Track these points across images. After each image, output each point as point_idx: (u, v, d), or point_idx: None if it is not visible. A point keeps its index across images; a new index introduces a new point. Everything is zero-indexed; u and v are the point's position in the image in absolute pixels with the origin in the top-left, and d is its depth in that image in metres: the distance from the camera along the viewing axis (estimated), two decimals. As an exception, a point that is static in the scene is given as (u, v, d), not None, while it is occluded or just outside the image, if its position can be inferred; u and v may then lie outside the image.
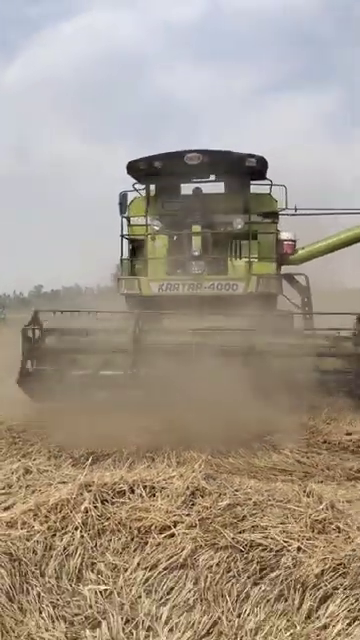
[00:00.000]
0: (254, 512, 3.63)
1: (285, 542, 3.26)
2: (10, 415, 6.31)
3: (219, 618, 2.67)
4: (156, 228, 8.52)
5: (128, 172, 8.53)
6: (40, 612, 2.79)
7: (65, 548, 3.31)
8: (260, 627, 2.60)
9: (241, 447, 5.24)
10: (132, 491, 3.83)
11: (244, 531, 3.42)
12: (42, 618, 2.74)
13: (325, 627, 2.58)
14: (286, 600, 2.78)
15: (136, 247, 8.80)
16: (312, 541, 3.29)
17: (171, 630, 2.62)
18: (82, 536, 3.41)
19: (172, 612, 2.74)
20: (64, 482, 4.15)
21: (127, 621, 2.69)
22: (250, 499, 3.76)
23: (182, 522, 3.53)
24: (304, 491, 3.91)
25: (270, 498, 3.81)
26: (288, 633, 2.55)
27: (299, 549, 3.20)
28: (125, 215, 8.71)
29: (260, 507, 3.70)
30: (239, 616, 2.68)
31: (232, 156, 8.37)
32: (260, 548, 3.24)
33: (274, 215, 8.66)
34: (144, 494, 3.84)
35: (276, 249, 8.56)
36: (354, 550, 3.13)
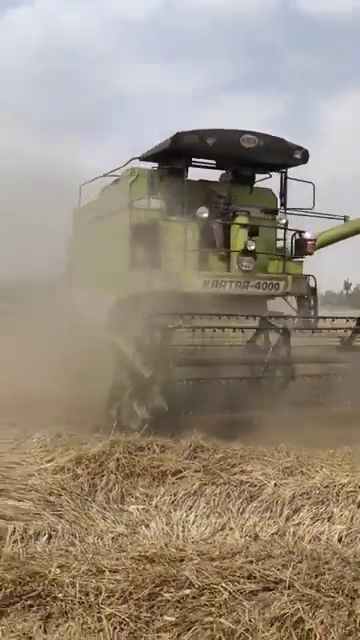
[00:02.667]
0: (241, 462, 4.96)
1: (265, 480, 4.61)
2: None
3: (228, 520, 3.97)
4: (205, 215, 7.54)
5: (172, 144, 7.39)
6: (104, 519, 3.99)
7: (106, 484, 4.52)
8: (256, 524, 3.91)
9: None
10: (149, 448, 5.08)
11: (235, 474, 4.73)
12: (106, 522, 3.95)
13: (298, 524, 3.92)
14: (272, 511, 4.10)
15: (142, 234, 7.53)
16: (284, 480, 4.64)
17: (197, 527, 3.89)
18: (116, 477, 4.62)
19: (195, 518, 4.02)
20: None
21: (167, 523, 3.94)
22: (237, 454, 5.09)
23: (189, 468, 4.81)
24: (276, 449, 5.27)
25: (252, 453, 5.15)
26: (276, 527, 3.87)
27: (275, 485, 4.53)
28: (152, 195, 7.24)
29: (245, 459, 5.04)
30: (242, 519, 3.99)
31: (285, 145, 7.97)
32: (248, 484, 4.55)
33: (274, 212, 8.36)
34: (157, 450, 5.10)
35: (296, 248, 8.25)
36: (314, 484, 4.51)
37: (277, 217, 8.24)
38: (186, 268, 7.41)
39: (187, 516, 4.03)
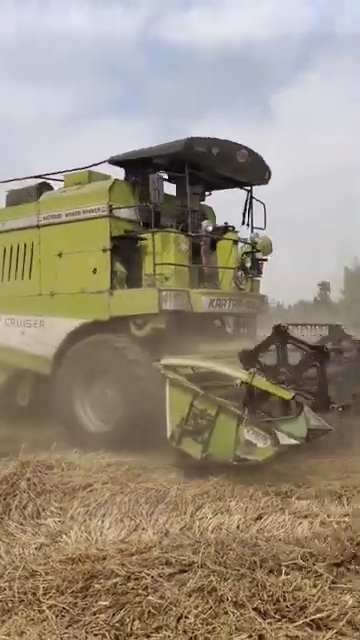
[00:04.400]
0: (146, 472, 5.46)
1: (169, 485, 5.13)
2: None
3: (140, 521, 4.41)
4: (210, 229, 7.51)
5: (185, 149, 6.98)
6: (24, 532, 4.26)
7: (19, 502, 4.78)
8: (165, 522, 4.39)
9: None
10: (58, 466, 5.40)
11: (141, 482, 5.22)
12: (27, 535, 4.22)
13: (202, 518, 4.47)
14: (178, 510, 4.61)
15: (124, 247, 7.19)
16: (184, 484, 5.20)
17: (114, 530, 4.29)
18: (29, 495, 4.89)
19: (110, 524, 4.41)
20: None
21: (85, 531, 4.29)
22: (142, 465, 5.58)
23: (98, 481, 5.22)
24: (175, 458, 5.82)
25: (154, 464, 5.67)
26: (183, 523, 4.38)
27: (178, 488, 5.07)
28: (157, 203, 6.84)
29: (149, 469, 5.55)
30: (152, 519, 4.45)
31: (263, 164, 8.00)
32: (154, 490, 5.05)
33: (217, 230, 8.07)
34: (65, 467, 5.44)
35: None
36: (212, 484, 5.10)
37: (251, 235, 8.15)
38: (186, 286, 7.08)
39: (102, 522, 4.41)
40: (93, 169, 7.72)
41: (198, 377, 5.71)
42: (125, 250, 7.19)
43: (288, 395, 5.08)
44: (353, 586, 3.29)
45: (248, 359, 5.58)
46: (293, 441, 4.96)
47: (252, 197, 8.22)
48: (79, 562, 3.59)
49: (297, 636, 2.81)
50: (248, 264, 7.93)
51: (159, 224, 7.24)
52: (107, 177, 7.68)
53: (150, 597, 3.12)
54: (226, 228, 8.07)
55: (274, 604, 3.06)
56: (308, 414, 5.00)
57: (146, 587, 3.24)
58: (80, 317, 7.23)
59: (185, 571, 3.48)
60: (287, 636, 2.82)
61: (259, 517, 4.47)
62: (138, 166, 7.36)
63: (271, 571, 3.44)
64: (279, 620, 2.95)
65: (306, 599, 3.07)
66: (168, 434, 5.57)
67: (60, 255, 7.50)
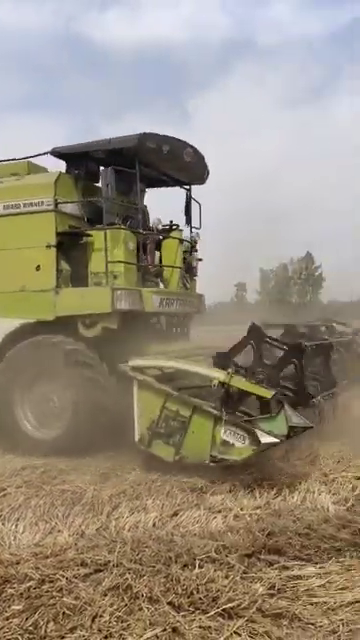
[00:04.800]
0: (62, 474, 5.39)
1: (85, 486, 5.10)
2: None
3: (56, 524, 4.35)
4: (160, 227, 7.45)
5: (138, 143, 6.71)
6: None
7: None
8: (81, 524, 4.36)
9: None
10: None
11: (57, 484, 5.16)
12: None
13: (118, 518, 4.47)
14: (94, 511, 4.59)
15: (64, 245, 6.77)
16: (101, 485, 5.18)
17: (28, 534, 4.21)
18: None
19: (24, 528, 4.33)
20: None
21: (-3, 535, 4.19)
22: (57, 467, 5.50)
23: (12, 485, 5.10)
24: (92, 458, 5.80)
25: (70, 465, 5.60)
26: (99, 523, 4.37)
27: (95, 489, 5.05)
28: (109, 198, 6.71)
29: (65, 471, 5.49)
30: (68, 521, 4.41)
31: (203, 164, 7.83)
32: (70, 492, 5.00)
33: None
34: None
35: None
36: (129, 483, 5.13)
37: (192, 235, 8.01)
38: (134, 285, 6.86)
39: (16, 527, 4.31)
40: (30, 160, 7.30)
41: (165, 378, 5.64)
42: (68, 247, 6.81)
43: (268, 394, 5.07)
44: (263, 575, 3.43)
45: (223, 360, 5.55)
46: (273, 439, 4.95)
47: (191, 197, 8.05)
48: (-9, 568, 3.50)
49: (209, 626, 2.90)
50: (195, 264, 7.87)
51: (101, 221, 7.00)
52: (45, 169, 7.35)
53: (65, 598, 3.10)
54: (171, 227, 7.88)
55: (188, 597, 3.14)
56: (289, 412, 5.01)
57: (61, 589, 3.22)
58: (21, 317, 6.87)
59: (100, 571, 3.49)
60: (200, 627, 2.90)
61: (175, 513, 4.54)
62: (82, 160, 7.04)
63: (186, 565, 3.52)
64: (192, 612, 3.02)
65: (218, 590, 3.17)
66: (136, 437, 5.48)
67: None
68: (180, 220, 8.01)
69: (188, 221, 7.99)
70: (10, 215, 6.85)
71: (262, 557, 3.67)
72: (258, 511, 4.54)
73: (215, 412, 5.14)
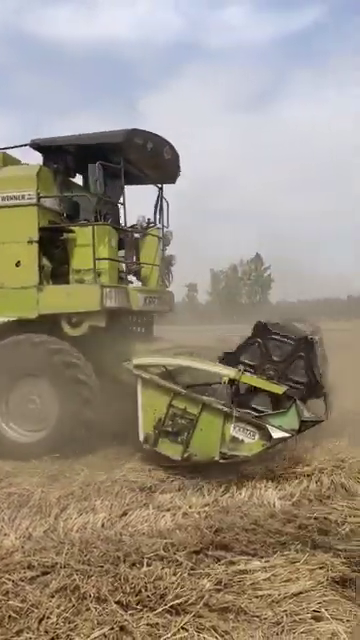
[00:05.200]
0: (8, 477, 5.31)
1: (32, 488, 5.03)
2: None
3: (2, 527, 4.27)
4: (145, 224, 7.23)
5: (126, 139, 6.63)
6: None
7: None
8: (28, 526, 4.31)
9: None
10: None
11: (3, 487, 5.08)
12: None
13: (66, 520, 4.44)
14: (42, 513, 4.54)
15: (43, 240, 6.53)
16: (48, 487, 5.13)
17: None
18: None
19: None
20: None
21: None
22: (4, 469, 5.42)
23: None
24: (40, 461, 5.72)
25: (17, 468, 5.53)
26: (47, 525, 4.32)
27: (42, 491, 4.99)
28: (97, 193, 6.47)
29: (12, 474, 5.40)
30: (15, 524, 4.34)
31: (177, 162, 7.67)
32: (17, 494, 4.92)
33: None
34: None
35: None
36: (77, 485, 5.10)
37: (165, 233, 7.75)
38: (116, 283, 6.70)
39: None
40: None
41: (167, 376, 5.61)
42: (48, 243, 6.57)
43: (280, 389, 5.18)
44: (211, 571, 3.48)
45: (230, 360, 5.63)
46: (284, 434, 5.05)
47: (163, 195, 7.83)
48: None
49: (157, 623, 2.93)
50: (174, 262, 7.77)
51: (79, 217, 6.94)
52: (19, 161, 7.09)
53: (11, 602, 3.07)
54: (148, 224, 7.66)
55: (136, 595, 3.16)
56: (300, 406, 5.11)
57: (7, 592, 3.18)
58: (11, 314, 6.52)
59: (48, 573, 3.46)
60: (148, 624, 2.92)
61: (124, 513, 4.55)
62: (61, 153, 6.84)
63: (134, 564, 3.53)
64: (140, 610, 3.04)
65: (166, 587, 3.20)
66: (141, 437, 5.42)
67: None
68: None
69: (160, 219, 7.79)
70: None
71: (210, 553, 3.73)
72: (206, 508, 4.61)
73: (226, 409, 5.17)
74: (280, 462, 5.61)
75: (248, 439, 5.13)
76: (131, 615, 2.98)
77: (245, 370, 5.38)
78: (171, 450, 5.37)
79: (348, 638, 2.78)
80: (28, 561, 3.58)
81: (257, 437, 5.10)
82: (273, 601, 3.15)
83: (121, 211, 7.30)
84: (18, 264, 6.41)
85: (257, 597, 3.20)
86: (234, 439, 5.14)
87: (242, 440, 5.13)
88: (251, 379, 5.28)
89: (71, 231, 6.68)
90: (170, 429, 5.34)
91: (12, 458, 5.93)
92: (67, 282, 6.60)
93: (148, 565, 3.49)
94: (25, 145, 6.83)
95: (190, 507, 4.65)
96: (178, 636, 2.83)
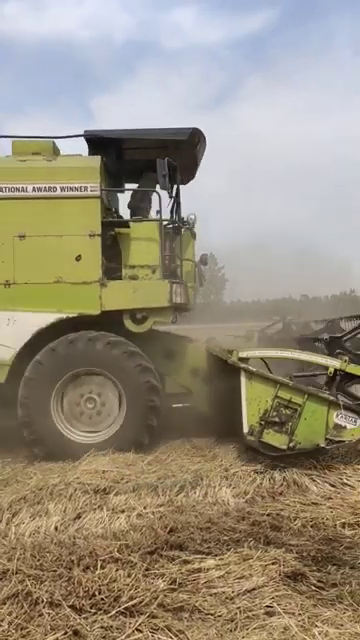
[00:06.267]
0: None
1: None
2: None
3: None
4: (192, 217, 7.00)
5: (190, 138, 6.70)
6: None
7: None
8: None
9: None
10: None
11: None
12: None
13: (19, 524, 4.36)
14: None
15: (107, 237, 6.50)
16: (0, 491, 5.02)
17: None
18: None
19: None
20: None
21: None
22: None
23: None
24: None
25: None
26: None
27: None
28: (166, 189, 6.52)
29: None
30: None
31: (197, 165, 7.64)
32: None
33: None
34: None
35: None
36: (30, 489, 5.01)
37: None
38: (179, 279, 6.66)
39: None
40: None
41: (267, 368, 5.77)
42: (103, 237, 6.41)
43: None
44: (165, 571, 3.49)
45: (334, 345, 6.09)
46: None
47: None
48: None
49: (111, 626, 2.91)
50: (207, 261, 7.72)
51: (118, 212, 6.93)
52: (59, 151, 6.80)
53: None
54: (182, 222, 7.42)
55: (90, 599, 3.12)
56: None
57: None
58: (56, 311, 6.23)
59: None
60: (102, 627, 2.90)
61: (78, 516, 4.50)
62: (109, 147, 6.71)
63: (88, 567, 3.49)
64: (95, 613, 3.02)
65: (120, 589, 3.18)
66: (245, 429, 5.45)
67: (22, 237, 6.26)
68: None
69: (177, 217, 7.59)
70: (42, 198, 6.28)
71: (164, 553, 3.73)
72: (161, 509, 4.60)
73: (331, 398, 5.40)
74: (234, 460, 5.67)
75: (350, 425, 5.41)
76: (85, 619, 2.95)
77: (350, 360, 5.62)
78: (277, 440, 5.45)
79: (300, 632, 2.83)
80: (-22, 568, 3.49)
81: (358, 423, 5.40)
82: (227, 598, 3.17)
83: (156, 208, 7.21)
84: (79, 258, 6.24)
85: (211, 595, 3.22)
86: (337, 426, 5.39)
87: (345, 426, 5.39)
88: (355, 369, 5.54)
89: (125, 226, 6.60)
90: (276, 420, 5.46)
91: (71, 459, 5.83)
92: (118, 278, 6.46)
93: (102, 568, 3.46)
94: (79, 136, 6.67)
95: (145, 508, 4.64)
96: (132, 637, 2.82)
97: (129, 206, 7.13)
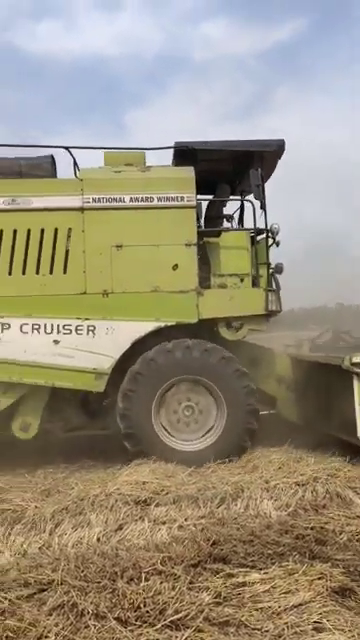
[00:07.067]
0: (1, 493, 5.25)
1: (25, 504, 4.98)
2: None
3: (-4, 545, 4.23)
4: (275, 227, 6.90)
5: (280, 150, 6.85)
6: None
7: None
8: (23, 543, 4.25)
9: None
10: None
11: (-4, 504, 5.02)
12: None
13: (61, 535, 4.39)
14: (36, 529, 4.49)
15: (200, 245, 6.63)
16: (42, 502, 5.08)
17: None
18: None
19: None
20: None
21: None
22: (-4, 485, 5.36)
23: None
24: (32, 475, 5.67)
25: (9, 483, 5.46)
26: (42, 541, 4.27)
27: (35, 507, 4.94)
28: (260, 199, 6.71)
29: (4, 489, 5.34)
30: (9, 541, 4.28)
31: None
32: (10, 510, 4.88)
33: None
34: None
35: None
36: (71, 499, 5.04)
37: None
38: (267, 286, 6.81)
39: None
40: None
41: None
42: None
43: None
44: (209, 584, 3.45)
45: None
46: None
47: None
48: None
49: (158, 639, 2.89)
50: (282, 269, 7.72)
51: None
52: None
53: (8, 621, 3.01)
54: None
55: (135, 611, 3.11)
56: None
57: (3, 611, 3.12)
58: (154, 320, 6.31)
59: (44, 590, 3.41)
60: (148, 640, 2.88)
61: (120, 527, 4.50)
62: (198, 158, 6.70)
63: (132, 579, 3.48)
64: (140, 626, 3.00)
65: (165, 602, 3.16)
66: (359, 433, 5.61)
67: (119, 247, 6.34)
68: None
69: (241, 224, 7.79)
70: (138, 209, 6.39)
71: (208, 566, 3.69)
72: (202, 521, 4.57)
73: None
74: (274, 472, 5.60)
75: None
76: (131, 631, 2.94)
77: None
78: None
79: (350, 649, 2.76)
80: (24, 578, 3.52)
81: None
82: (273, 613, 3.12)
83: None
84: (175, 267, 6.35)
85: (257, 610, 3.16)
86: None
87: None
88: None
89: (214, 235, 6.76)
90: None
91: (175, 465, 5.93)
92: (207, 287, 6.56)
93: (146, 580, 3.45)
94: (170, 147, 6.78)
95: (186, 520, 4.61)
96: (179, 652, 2.80)
97: (206, 216, 7.22)
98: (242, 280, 6.62)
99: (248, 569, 3.64)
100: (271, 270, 6.98)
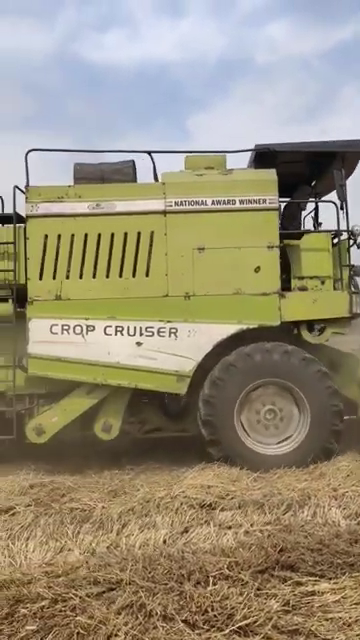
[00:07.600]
0: (69, 492, 5.38)
1: (94, 504, 5.09)
2: None
3: (66, 542, 4.34)
4: (357, 228, 6.69)
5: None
6: None
7: None
8: (91, 542, 4.34)
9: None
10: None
11: (66, 502, 5.15)
12: None
13: (128, 536, 4.45)
14: (104, 528, 4.58)
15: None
16: (109, 502, 5.17)
17: (39, 553, 4.19)
18: None
19: (35, 546, 4.31)
20: None
21: (8, 555, 4.17)
22: (65, 485, 5.49)
23: (21, 504, 5.09)
24: (99, 476, 5.78)
25: (78, 483, 5.59)
26: (109, 541, 4.35)
27: (103, 507, 5.04)
28: (344, 200, 6.59)
29: (73, 489, 5.47)
30: (79, 539, 4.39)
31: None
32: (79, 509, 4.99)
33: None
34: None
35: None
36: (137, 500, 5.11)
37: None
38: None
39: (26, 546, 4.29)
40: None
41: None
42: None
43: None
44: (277, 591, 3.40)
45: None
46: None
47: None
48: (3, 588, 3.48)
49: (226, 644, 2.88)
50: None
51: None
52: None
53: (78, 618, 3.08)
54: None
55: (202, 614, 3.11)
56: None
57: (74, 608, 3.19)
58: (237, 322, 6.28)
59: (113, 589, 3.46)
60: (216, 645, 2.88)
61: (185, 530, 4.53)
62: (279, 160, 6.66)
63: (199, 582, 3.49)
64: (208, 630, 3.00)
65: (233, 607, 3.14)
66: None
67: (201, 250, 6.36)
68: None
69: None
70: (220, 211, 6.40)
71: (275, 573, 3.64)
72: (269, 527, 4.52)
73: None
74: (342, 480, 5.47)
75: None
76: (198, 635, 2.94)
77: None
78: None
79: None
80: (93, 577, 3.59)
81: None
82: (344, 624, 3.04)
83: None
84: (257, 270, 6.34)
85: (327, 620, 3.10)
86: None
87: None
88: None
89: (294, 237, 6.71)
90: None
91: (254, 470, 5.94)
92: (287, 289, 6.51)
93: (213, 584, 3.44)
94: (251, 150, 6.81)
95: (252, 525, 4.58)
96: (248, 658, 2.78)
97: (284, 217, 7.15)
98: (323, 282, 6.50)
99: (317, 578, 3.57)
100: (351, 272, 6.82)
